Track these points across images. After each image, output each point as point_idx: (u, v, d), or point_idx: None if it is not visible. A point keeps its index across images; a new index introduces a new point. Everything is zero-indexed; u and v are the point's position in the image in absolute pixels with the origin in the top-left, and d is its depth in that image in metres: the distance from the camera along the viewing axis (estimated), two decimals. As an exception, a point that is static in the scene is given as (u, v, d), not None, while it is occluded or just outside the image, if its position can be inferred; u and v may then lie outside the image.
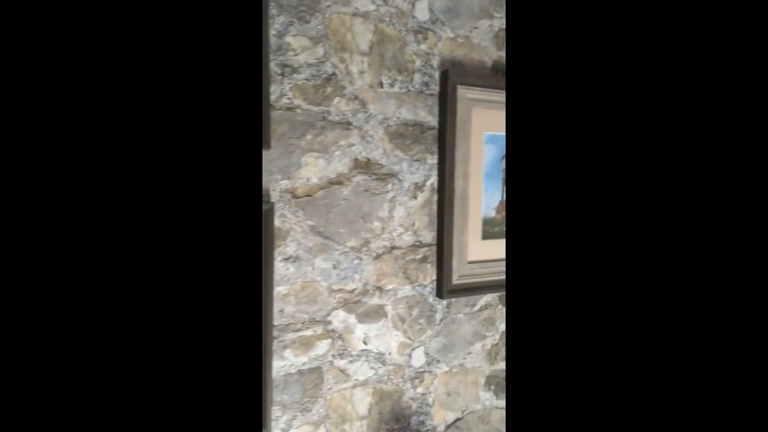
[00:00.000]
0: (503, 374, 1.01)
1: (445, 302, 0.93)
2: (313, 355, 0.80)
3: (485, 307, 0.98)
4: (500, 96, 0.91)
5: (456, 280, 0.91)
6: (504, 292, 0.99)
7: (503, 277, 0.96)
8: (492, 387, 1.00)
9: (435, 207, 0.89)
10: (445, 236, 0.88)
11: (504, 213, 0.96)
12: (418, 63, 0.85)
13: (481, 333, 0.97)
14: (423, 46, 0.85)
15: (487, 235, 0.95)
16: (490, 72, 0.93)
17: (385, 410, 0.87)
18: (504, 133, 0.94)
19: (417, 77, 0.85)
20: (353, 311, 0.83)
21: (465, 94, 0.88)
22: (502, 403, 1.01)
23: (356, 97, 0.80)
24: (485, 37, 0.92)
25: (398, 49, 0.83)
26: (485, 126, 0.92)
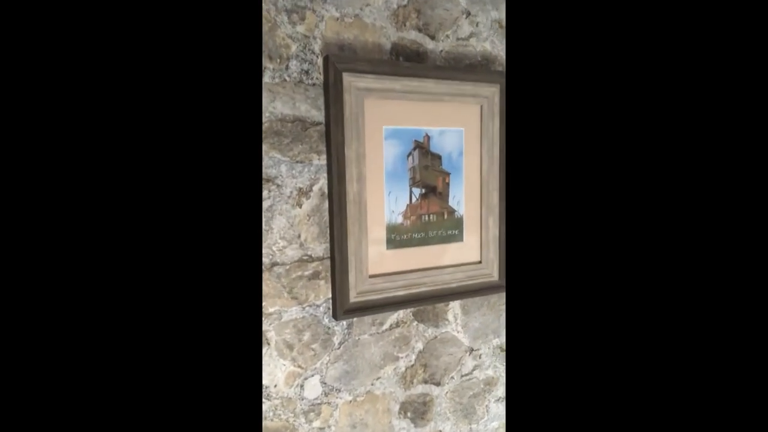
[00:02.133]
0: (422, 398, 0.90)
1: (344, 323, 0.81)
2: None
3: (396, 325, 0.86)
4: (400, 84, 0.79)
5: (355, 297, 0.79)
6: (418, 308, 0.87)
7: (416, 290, 0.84)
8: (408, 414, 0.88)
9: (326, 215, 0.78)
10: (339, 248, 0.77)
11: (414, 218, 0.84)
12: (294, 48, 0.73)
13: (393, 354, 0.86)
14: (300, 28, 0.73)
15: (392, 245, 0.83)
16: (390, 56, 0.81)
17: (275, 450, 0.76)
18: (410, 126, 0.82)
19: (294, 65, 0.73)
20: (226, 340, 0.71)
21: (355, 82, 0.75)
22: (422, 430, 0.90)
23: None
24: (380, 16, 0.79)
25: (267, 32, 0.71)
26: (384, 119, 0.80)
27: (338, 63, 0.73)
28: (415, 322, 0.88)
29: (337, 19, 0.76)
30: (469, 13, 0.87)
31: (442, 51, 0.85)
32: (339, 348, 0.81)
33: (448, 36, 0.86)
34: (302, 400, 0.78)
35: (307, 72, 0.74)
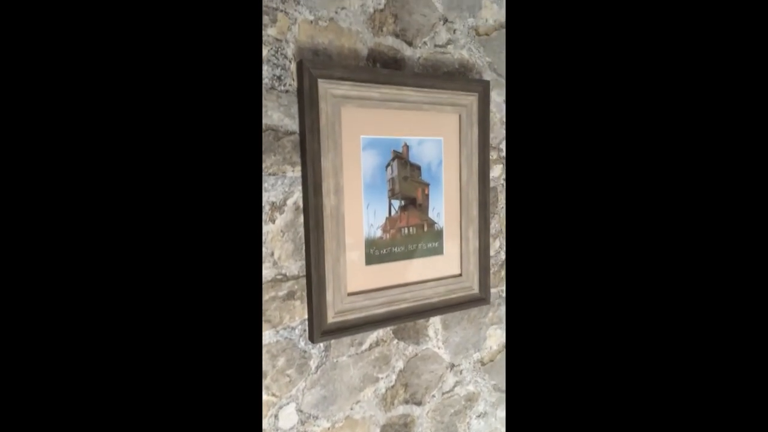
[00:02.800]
0: (404, 419, 0.86)
1: (321, 345, 0.76)
2: None
3: (376, 344, 0.82)
4: (378, 92, 0.75)
5: (333, 317, 0.74)
6: (398, 326, 0.84)
7: (397, 306, 0.80)
8: (390, 437, 0.84)
9: (301, 231, 0.72)
10: (316, 265, 0.72)
11: (393, 231, 0.81)
12: (265, 52, 0.68)
13: (373, 376, 0.81)
14: (271, 31, 0.68)
15: (372, 260, 0.79)
16: (366, 63, 0.77)
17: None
18: (389, 136, 0.78)
19: (265, 70, 0.68)
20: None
21: (331, 90, 0.71)
22: (405, 452, 0.86)
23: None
24: (356, 20, 0.75)
25: (235, 33, 0.65)
26: (361, 128, 0.76)
27: (313, 69, 0.69)
28: (396, 340, 0.84)
29: (311, 22, 0.71)
30: (446, 20, 0.85)
31: (420, 58, 0.82)
32: (316, 372, 0.75)
33: (425, 43, 0.83)
34: (277, 430, 0.72)
35: (279, 78, 0.69)
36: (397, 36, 0.80)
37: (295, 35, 0.70)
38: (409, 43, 0.81)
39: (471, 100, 0.86)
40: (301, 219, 0.72)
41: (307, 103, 0.69)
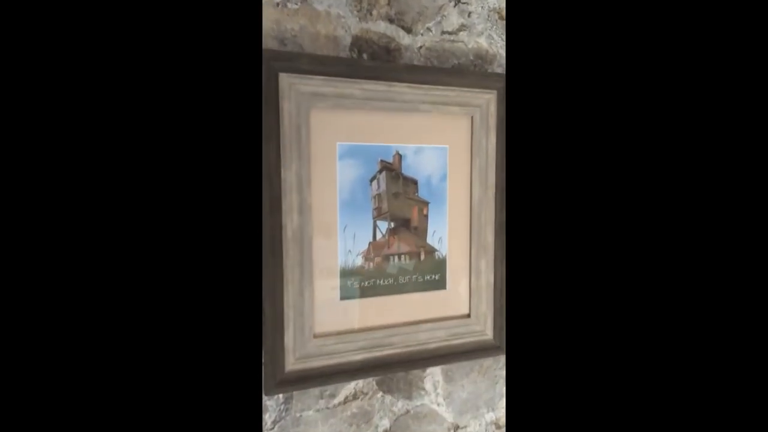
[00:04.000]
0: (389, 491, 0.70)
1: (281, 397, 0.63)
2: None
3: (354, 396, 0.67)
4: (361, 88, 0.61)
5: (293, 364, 0.61)
6: (383, 376, 0.68)
7: (381, 352, 0.65)
8: None
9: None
10: (271, 300, 0.59)
11: (379, 259, 0.65)
12: (217, 41, 0.56)
13: (348, 435, 0.67)
14: (225, 16, 0.57)
15: (349, 294, 0.64)
16: (349, 54, 0.63)
17: None
18: (375, 143, 0.64)
19: (216, 62, 0.56)
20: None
21: (297, 85, 0.58)
22: None
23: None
24: (339, 1, 0.62)
25: (179, 19, 0.55)
26: (337, 133, 0.62)
27: (273, 60, 0.56)
28: (380, 393, 0.68)
29: (277, 5, 0.59)
30: (458, 0, 0.69)
31: (421, 47, 0.67)
32: (273, 429, 0.62)
33: (429, 29, 0.67)
34: (220, 497, 0.60)
35: (234, 72, 0.57)
36: (391, 21, 0.65)
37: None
38: (408, 30, 0.66)
39: (487, 98, 0.69)
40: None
41: (265, 102, 0.56)
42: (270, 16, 0.59)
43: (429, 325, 0.68)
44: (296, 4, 0.60)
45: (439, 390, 0.72)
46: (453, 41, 0.69)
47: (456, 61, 0.69)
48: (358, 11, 0.63)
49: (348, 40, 0.63)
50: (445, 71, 0.66)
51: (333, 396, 0.65)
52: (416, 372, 0.70)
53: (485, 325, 0.72)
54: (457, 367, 0.73)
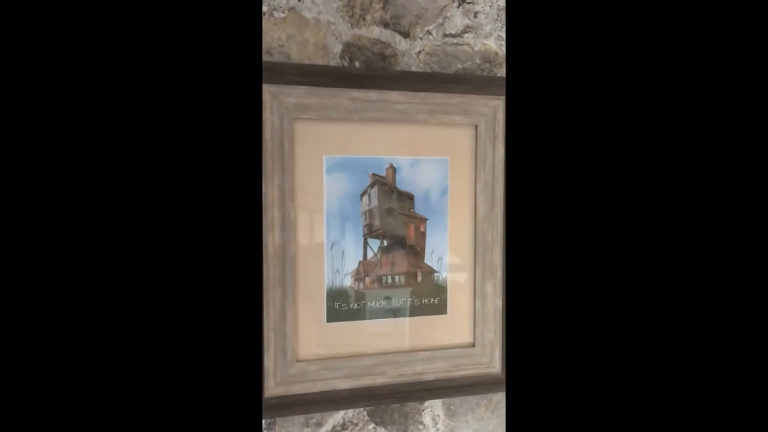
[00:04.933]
0: None
1: (263, 422, 0.59)
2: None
3: (342, 427, 0.62)
4: (350, 97, 0.57)
5: (274, 389, 0.57)
6: (374, 407, 0.63)
7: (371, 382, 0.60)
8: None
9: (241, 273, 0.58)
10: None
11: (370, 280, 0.61)
12: (200, 53, 0.55)
13: (336, 469, 0.62)
14: (209, 28, 0.56)
15: (336, 317, 0.60)
16: (340, 62, 0.60)
17: None
18: (365, 155, 0.60)
19: (199, 75, 0.56)
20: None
21: (280, 96, 0.55)
22: None
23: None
24: (327, 8, 0.59)
25: (163, 33, 0.54)
26: (324, 145, 0.58)
27: (254, 71, 0.54)
28: (372, 425, 0.63)
29: (264, 14, 0.57)
30: (463, 0, 0.63)
31: (420, 52, 0.62)
32: (253, 456, 0.59)
33: (429, 32, 0.63)
34: None
35: (218, 84, 0.56)
36: (386, 25, 0.61)
37: (242, 32, 0.57)
38: (405, 34, 0.62)
39: (494, 106, 0.62)
40: (241, 259, 0.57)
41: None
42: (255, 27, 0.57)
43: (426, 353, 0.62)
44: (283, 12, 0.58)
45: (439, 425, 0.66)
46: (456, 44, 0.64)
47: (460, 66, 0.64)
48: (350, 17, 0.60)
49: (339, 48, 0.60)
50: (445, 77, 0.61)
51: (320, 425, 0.61)
52: (413, 404, 0.64)
53: (492, 356, 0.65)
54: (461, 401, 0.66)
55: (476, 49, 0.65)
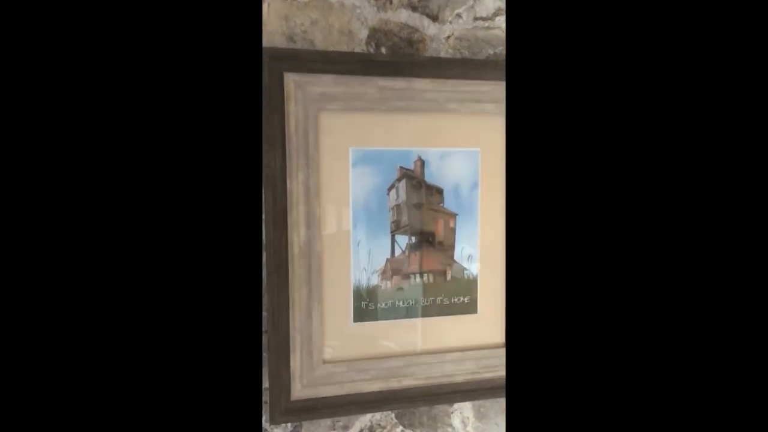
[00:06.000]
0: None
1: (289, 426, 0.58)
2: None
3: (370, 430, 0.60)
4: (377, 86, 0.54)
5: (300, 390, 0.55)
6: (402, 409, 0.60)
7: (399, 384, 0.58)
8: None
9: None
10: (275, 321, 0.54)
11: (398, 278, 0.58)
12: (220, 41, 0.52)
13: (363, 472, 0.60)
14: (228, 13, 0.52)
15: (363, 317, 0.57)
16: (366, 48, 0.57)
17: None
18: (393, 147, 0.57)
19: (219, 64, 0.53)
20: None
21: (304, 86, 0.52)
22: None
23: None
24: (352, -9, 0.55)
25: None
26: (350, 137, 0.55)
27: (276, 59, 0.51)
28: (400, 428, 0.61)
29: (286, -3, 0.54)
30: (495, -18, 0.60)
31: (449, 37, 0.59)
32: (279, 460, 0.57)
33: (459, 15, 0.59)
34: None
35: (238, 73, 0.53)
36: (414, 9, 0.57)
37: (268, 15, 0.53)
38: (434, 18, 0.58)
39: (528, 93, 0.59)
40: (265, 258, 0.55)
41: (269, 104, 0.52)
42: (278, 12, 0.54)
43: (456, 354, 0.60)
44: (306, -4, 0.54)
45: (469, 428, 0.63)
46: (488, 28, 0.60)
47: (492, 51, 0.60)
48: (375, 0, 0.56)
49: (365, 34, 0.56)
50: (476, 63, 0.57)
51: (346, 428, 0.59)
52: (441, 406, 0.62)
53: (524, 357, 0.62)
54: (492, 403, 0.64)
55: (508, 33, 0.61)
